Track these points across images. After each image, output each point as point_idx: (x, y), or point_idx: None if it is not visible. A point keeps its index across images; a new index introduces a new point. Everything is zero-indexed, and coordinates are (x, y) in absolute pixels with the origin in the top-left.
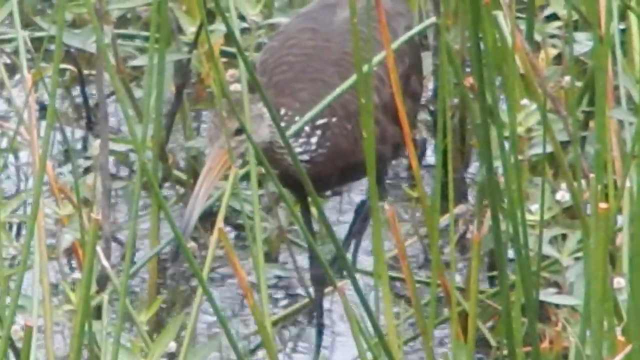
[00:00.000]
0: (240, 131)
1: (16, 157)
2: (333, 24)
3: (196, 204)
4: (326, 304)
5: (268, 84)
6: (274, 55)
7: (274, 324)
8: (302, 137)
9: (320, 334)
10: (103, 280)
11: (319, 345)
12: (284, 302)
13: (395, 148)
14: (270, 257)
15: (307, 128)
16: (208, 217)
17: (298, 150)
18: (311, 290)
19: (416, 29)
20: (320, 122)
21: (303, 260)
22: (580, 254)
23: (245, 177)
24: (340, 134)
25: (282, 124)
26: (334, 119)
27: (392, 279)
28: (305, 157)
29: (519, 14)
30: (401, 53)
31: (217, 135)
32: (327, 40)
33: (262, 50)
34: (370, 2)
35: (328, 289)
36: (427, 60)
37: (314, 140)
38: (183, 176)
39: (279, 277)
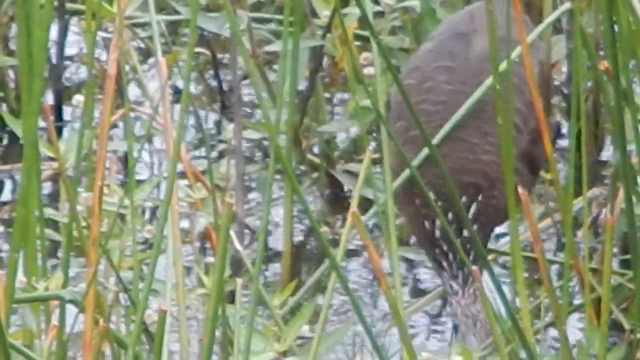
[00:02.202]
0: None
1: (150, 142)
2: (469, 61)
3: None
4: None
5: (405, 136)
6: (410, 94)
7: (408, 308)
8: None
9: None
10: (237, 264)
11: (453, 330)
12: (416, 287)
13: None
14: (403, 242)
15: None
16: (340, 202)
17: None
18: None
19: (552, 16)
20: (464, 200)
21: None
22: None
23: (379, 161)
24: (488, 204)
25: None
26: (480, 198)
27: (525, 258)
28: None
29: None
30: (526, 116)
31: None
32: (463, 84)
33: (396, 89)
34: (510, 33)
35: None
36: (561, 44)
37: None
38: (317, 160)
39: (411, 262)
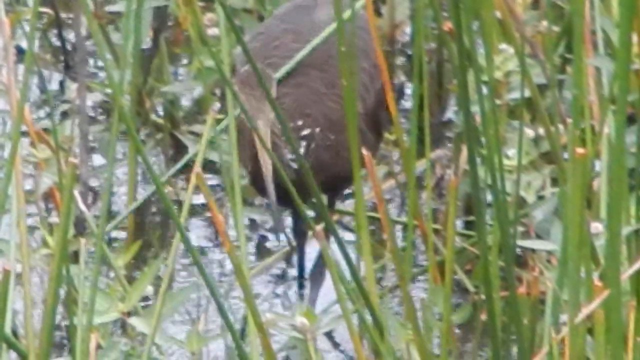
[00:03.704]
0: None
1: None
2: (314, 26)
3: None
4: (310, 248)
5: (251, 82)
6: (257, 56)
7: (253, 268)
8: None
9: (300, 281)
10: (81, 224)
11: (298, 291)
12: (261, 248)
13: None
14: (247, 203)
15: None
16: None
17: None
18: (289, 234)
19: None
20: (304, 133)
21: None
22: (544, 193)
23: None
24: (323, 145)
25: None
26: (317, 130)
27: (372, 219)
28: (293, 169)
29: None
30: (373, 76)
31: (262, 110)
32: (309, 43)
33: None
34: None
35: (309, 235)
36: (405, 5)
37: (300, 152)
38: (160, 121)
39: (256, 223)
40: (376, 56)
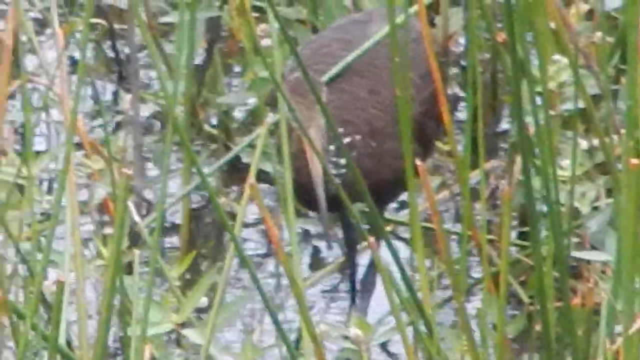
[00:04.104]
0: None
1: (47, 113)
2: (365, 38)
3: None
4: (362, 260)
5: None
6: (305, 62)
7: (307, 279)
8: (330, 156)
9: (353, 292)
10: (135, 236)
11: (351, 304)
12: (315, 260)
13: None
14: (301, 213)
15: (333, 147)
16: (238, 174)
17: (332, 172)
18: (341, 243)
19: None
20: (345, 141)
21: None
22: (598, 203)
23: (275, 131)
24: (365, 152)
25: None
26: (357, 137)
27: (426, 229)
28: (338, 180)
29: None
30: (419, 87)
31: (312, 118)
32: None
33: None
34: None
35: (361, 246)
36: (458, 16)
37: (343, 161)
38: (214, 131)
39: (309, 234)
40: (426, 66)
